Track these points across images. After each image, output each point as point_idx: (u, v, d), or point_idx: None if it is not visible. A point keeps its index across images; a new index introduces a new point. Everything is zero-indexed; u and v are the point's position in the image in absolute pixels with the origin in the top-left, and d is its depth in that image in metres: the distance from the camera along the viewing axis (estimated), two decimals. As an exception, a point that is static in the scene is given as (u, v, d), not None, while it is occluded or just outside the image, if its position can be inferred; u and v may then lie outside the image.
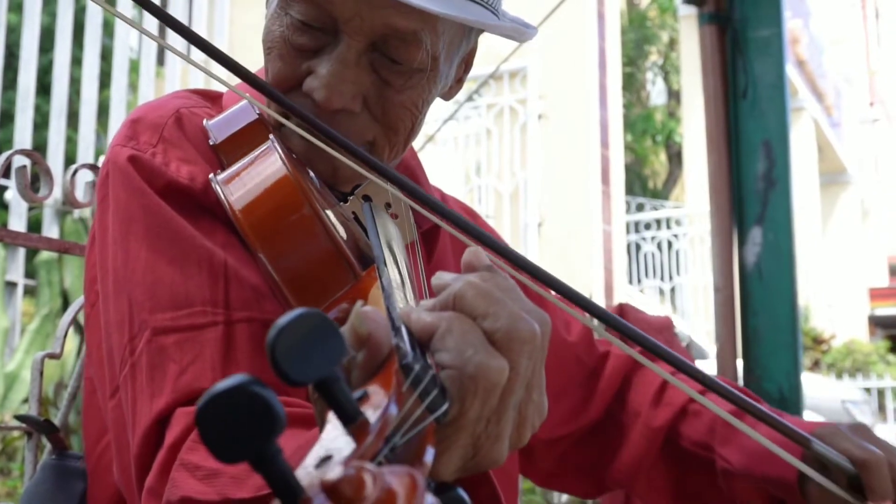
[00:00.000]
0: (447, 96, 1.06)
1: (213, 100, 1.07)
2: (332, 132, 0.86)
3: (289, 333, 0.46)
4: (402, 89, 0.95)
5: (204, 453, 0.73)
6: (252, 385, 0.42)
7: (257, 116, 0.95)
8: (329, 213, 0.81)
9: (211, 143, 0.94)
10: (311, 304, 0.75)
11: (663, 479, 1.22)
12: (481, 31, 1.01)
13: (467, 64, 1.06)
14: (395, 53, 0.92)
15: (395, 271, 0.74)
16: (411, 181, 0.86)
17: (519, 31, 1.00)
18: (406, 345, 0.55)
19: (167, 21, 0.83)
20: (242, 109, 0.97)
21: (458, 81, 1.07)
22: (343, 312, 0.74)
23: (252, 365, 0.84)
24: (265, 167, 0.81)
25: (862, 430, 1.03)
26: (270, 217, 0.78)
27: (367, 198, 0.96)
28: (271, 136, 0.85)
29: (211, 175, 0.84)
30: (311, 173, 0.94)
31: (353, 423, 0.47)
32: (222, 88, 1.08)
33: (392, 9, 0.89)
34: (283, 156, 0.80)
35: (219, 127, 0.96)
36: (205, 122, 0.97)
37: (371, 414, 0.48)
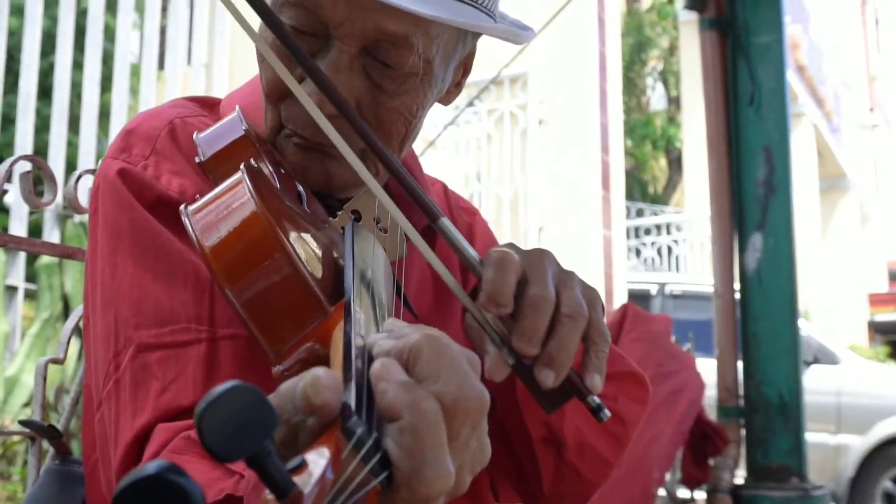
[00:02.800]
0: (445, 101, 1.05)
1: (210, 107, 1.06)
2: (343, 104, 0.84)
3: (216, 410, 0.46)
4: (395, 94, 0.94)
5: (180, 463, 0.74)
6: (168, 473, 0.42)
7: (244, 132, 0.93)
8: (305, 240, 0.79)
9: (198, 161, 0.93)
10: (277, 343, 0.74)
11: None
12: (479, 34, 0.99)
13: (466, 67, 1.05)
14: (387, 57, 0.91)
15: (369, 301, 0.73)
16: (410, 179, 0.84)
17: (514, 34, 0.98)
18: (352, 403, 0.53)
19: None
20: (231, 123, 0.95)
21: (457, 85, 1.05)
22: (308, 352, 0.73)
23: None
24: (233, 200, 0.78)
25: (536, 254, 0.84)
26: (236, 255, 0.75)
27: (356, 213, 0.94)
28: (242, 165, 0.83)
29: (182, 206, 0.82)
30: (301, 188, 0.92)
31: (286, 496, 0.47)
32: (222, 93, 1.06)
33: (382, 12, 0.88)
34: (251, 188, 0.78)
35: (207, 142, 0.94)
36: (195, 135, 0.96)
37: (307, 484, 0.47)
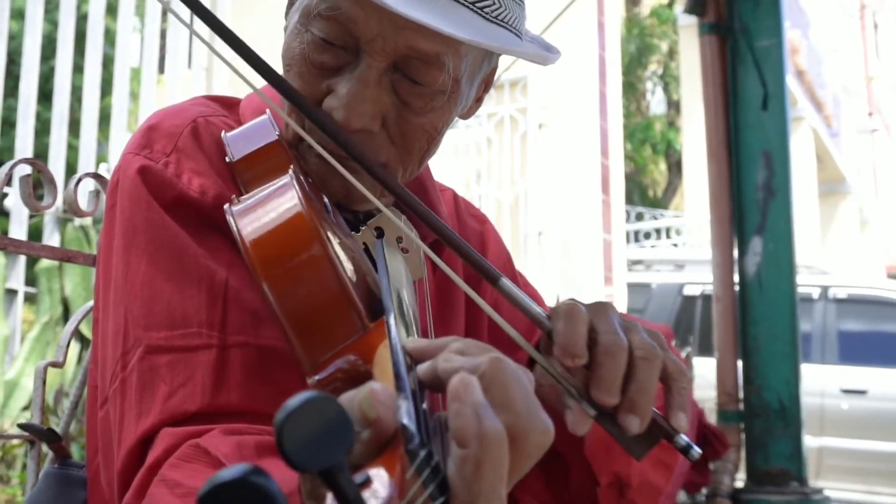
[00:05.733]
0: (465, 116, 1.05)
1: (230, 107, 1.05)
2: (352, 149, 0.85)
3: (297, 419, 0.46)
4: (421, 112, 0.93)
5: (187, 472, 0.73)
6: (253, 476, 0.42)
7: (277, 137, 0.92)
8: (340, 251, 0.78)
9: (227, 160, 0.92)
10: (315, 350, 0.73)
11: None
12: None
13: (487, 83, 1.05)
14: (417, 75, 0.91)
15: (402, 320, 0.73)
16: (422, 205, 0.84)
17: (542, 57, 0.99)
18: (412, 425, 0.53)
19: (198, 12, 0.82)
20: (262, 125, 0.94)
21: (477, 101, 1.05)
22: (350, 364, 0.73)
23: (242, 392, 0.83)
24: (282, 204, 0.78)
25: (600, 306, 0.84)
26: (283, 260, 0.75)
27: (379, 230, 0.94)
28: (291, 169, 0.83)
29: (226, 206, 0.82)
30: (325, 199, 0.92)
31: None
32: (242, 93, 1.06)
33: (415, 31, 0.87)
34: (300, 195, 0.78)
35: (237, 142, 0.93)
36: (223, 134, 0.95)
37: (375, 500, 0.48)
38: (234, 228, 0.77)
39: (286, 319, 0.74)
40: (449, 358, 0.61)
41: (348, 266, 0.78)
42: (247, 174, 0.90)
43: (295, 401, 0.46)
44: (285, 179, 0.81)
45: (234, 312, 0.86)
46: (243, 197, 0.84)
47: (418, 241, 0.85)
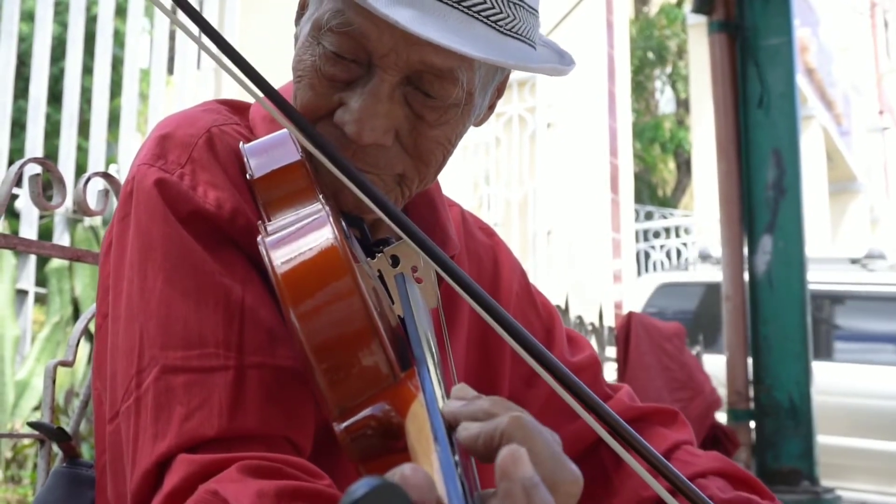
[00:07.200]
0: (479, 123, 1.04)
1: (241, 112, 1.04)
2: (362, 180, 0.82)
3: None
4: (435, 124, 0.93)
5: None
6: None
7: (299, 157, 0.90)
8: (372, 294, 0.76)
9: (248, 177, 0.90)
10: (344, 394, 0.72)
11: None
12: None
13: (500, 90, 1.04)
14: (430, 89, 0.90)
15: (434, 368, 0.72)
16: (432, 242, 0.81)
17: (557, 69, 0.98)
18: (459, 498, 0.53)
19: (203, 27, 0.80)
20: (282, 140, 0.92)
21: (490, 108, 1.04)
22: (383, 413, 0.71)
23: (260, 414, 0.82)
24: (318, 240, 0.76)
25: None
26: (317, 300, 0.73)
27: (394, 258, 0.92)
28: (321, 200, 0.81)
29: (259, 238, 0.80)
30: (344, 223, 0.90)
31: None
32: (251, 96, 1.04)
33: (429, 46, 0.86)
34: (337, 233, 0.76)
35: (256, 155, 0.91)
36: (241, 145, 0.94)
37: None
38: (268, 262, 0.76)
39: (316, 360, 0.72)
40: (468, 427, 0.62)
41: (375, 303, 0.76)
42: (267, 194, 0.88)
43: (361, 488, 0.46)
44: (319, 213, 0.79)
45: (251, 332, 0.85)
46: (273, 226, 0.82)
47: (453, 283, 0.80)
